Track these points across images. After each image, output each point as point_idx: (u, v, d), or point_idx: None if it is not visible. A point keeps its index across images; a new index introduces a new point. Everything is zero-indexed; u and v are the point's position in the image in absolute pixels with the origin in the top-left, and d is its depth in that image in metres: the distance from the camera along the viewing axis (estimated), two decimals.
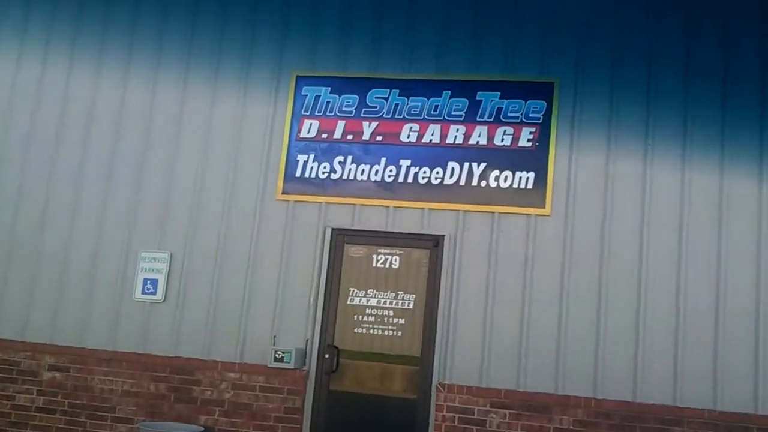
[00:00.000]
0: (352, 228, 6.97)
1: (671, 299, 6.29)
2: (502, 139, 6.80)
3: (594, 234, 6.49)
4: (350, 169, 7.07)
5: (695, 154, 6.47)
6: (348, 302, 6.89)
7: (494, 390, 6.36)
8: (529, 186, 6.67)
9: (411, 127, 7.02)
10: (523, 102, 6.80)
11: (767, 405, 5.99)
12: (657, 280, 6.34)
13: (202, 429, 6.68)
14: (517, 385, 6.36)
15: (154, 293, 7.18)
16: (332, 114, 7.20)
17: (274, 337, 6.84)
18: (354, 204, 7.00)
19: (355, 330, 6.84)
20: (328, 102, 7.22)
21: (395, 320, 6.77)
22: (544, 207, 6.61)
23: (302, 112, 7.25)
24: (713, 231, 6.35)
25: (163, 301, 7.15)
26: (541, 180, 6.65)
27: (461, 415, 6.35)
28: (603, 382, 6.23)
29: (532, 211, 6.63)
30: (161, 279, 7.19)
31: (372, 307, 6.84)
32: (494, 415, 6.32)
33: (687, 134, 6.51)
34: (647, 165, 6.53)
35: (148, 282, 7.21)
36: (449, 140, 6.91)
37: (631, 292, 6.35)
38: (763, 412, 5.98)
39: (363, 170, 7.04)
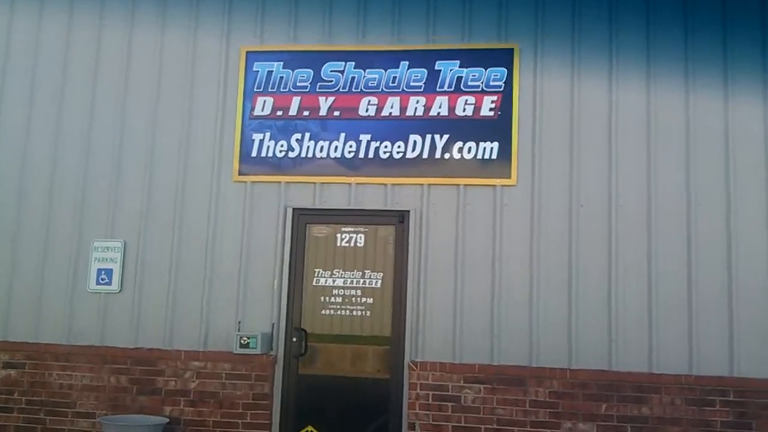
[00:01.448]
0: (314, 207, 6.80)
1: (643, 264, 6.28)
2: (464, 109, 6.66)
3: (562, 201, 6.43)
4: (309, 147, 6.86)
5: (661, 114, 6.43)
6: (314, 284, 6.73)
7: (468, 365, 6.30)
8: (494, 156, 6.55)
9: (369, 101, 6.83)
10: (484, 70, 6.65)
11: (742, 367, 6.07)
12: (628, 246, 6.31)
13: (167, 420, 6.48)
14: (491, 359, 6.31)
15: (109, 283, 6.93)
16: (286, 90, 6.96)
17: (239, 322, 6.65)
18: (314, 182, 6.82)
19: (323, 312, 6.69)
20: (282, 77, 6.98)
21: (363, 300, 6.64)
22: (509, 177, 6.51)
23: (254, 89, 7.01)
24: (682, 190, 6.32)
25: (120, 291, 6.91)
26: (505, 150, 6.54)
27: (435, 392, 6.30)
28: (577, 353, 6.23)
29: (497, 181, 6.53)
30: (116, 268, 6.94)
31: (339, 288, 6.69)
32: (469, 390, 6.26)
33: (651, 94, 6.45)
34: (612, 128, 6.47)
35: (103, 272, 6.95)
36: (409, 112, 6.75)
37: (602, 259, 6.32)
38: (738, 375, 6.05)
39: (322, 147, 6.84)
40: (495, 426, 6.19)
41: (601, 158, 6.44)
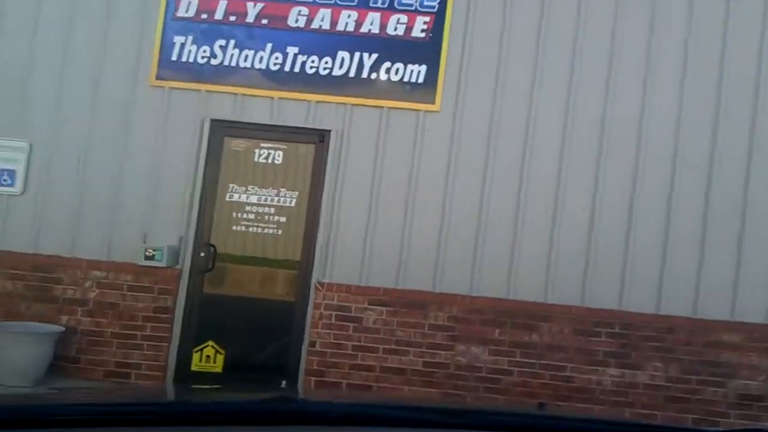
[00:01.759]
0: (234, 120, 6.50)
1: (549, 198, 6.31)
2: (396, 28, 6.40)
3: (482, 131, 6.35)
4: (232, 55, 6.52)
5: (588, 40, 6.33)
6: (227, 199, 6.48)
7: (373, 288, 6.28)
8: (420, 80, 6.37)
9: (299, 11, 6.50)
10: None
11: (631, 302, 6.25)
12: (539, 178, 6.31)
13: (63, 329, 6.23)
14: (396, 283, 6.30)
15: (11, 185, 6.55)
16: None
17: (145, 234, 6.38)
18: (236, 93, 6.52)
19: (234, 228, 6.47)
20: None
21: (276, 218, 6.45)
22: (434, 103, 6.37)
23: None
24: (597, 122, 6.30)
25: (22, 193, 6.54)
26: (432, 74, 6.36)
27: (338, 313, 6.26)
28: (479, 282, 6.29)
29: (421, 106, 6.38)
30: (19, 169, 6.55)
31: (252, 205, 6.47)
32: (371, 312, 6.25)
33: (581, 20, 6.33)
34: (538, 60, 6.36)
35: (5, 173, 6.57)
36: (340, 27, 6.45)
37: (513, 190, 6.32)
38: (627, 309, 6.24)
39: (246, 56, 6.51)
40: (393, 346, 6.23)
41: (524, 92, 6.35)
